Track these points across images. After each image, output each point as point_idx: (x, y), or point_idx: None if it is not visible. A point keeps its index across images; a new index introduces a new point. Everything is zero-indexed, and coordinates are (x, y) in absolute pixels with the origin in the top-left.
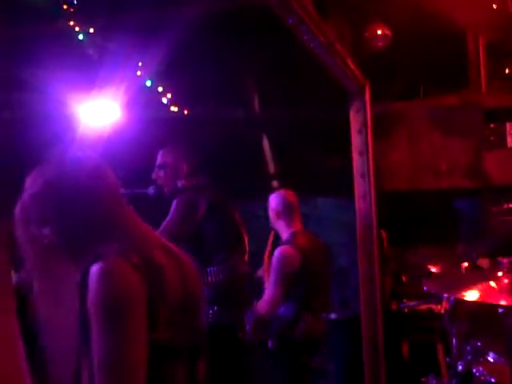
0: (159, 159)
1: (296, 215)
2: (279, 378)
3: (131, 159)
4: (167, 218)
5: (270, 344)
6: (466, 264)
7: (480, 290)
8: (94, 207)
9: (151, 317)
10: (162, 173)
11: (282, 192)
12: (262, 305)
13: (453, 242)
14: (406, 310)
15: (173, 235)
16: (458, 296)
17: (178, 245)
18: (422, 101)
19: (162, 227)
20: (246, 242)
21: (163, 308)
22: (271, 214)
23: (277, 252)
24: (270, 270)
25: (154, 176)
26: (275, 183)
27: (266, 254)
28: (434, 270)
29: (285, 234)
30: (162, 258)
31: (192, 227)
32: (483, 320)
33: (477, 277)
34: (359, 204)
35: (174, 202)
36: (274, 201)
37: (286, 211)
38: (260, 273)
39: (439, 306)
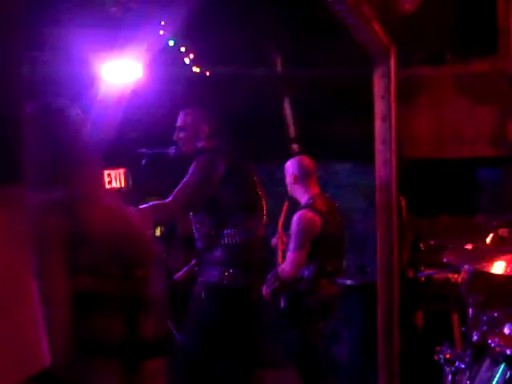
0: (180, 120)
1: (313, 180)
2: (291, 339)
3: (153, 119)
4: (185, 179)
5: (282, 304)
6: (490, 236)
7: (502, 262)
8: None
9: (71, 260)
10: (182, 134)
11: (299, 158)
12: (286, 269)
13: (473, 211)
14: (423, 279)
15: (190, 196)
16: (480, 269)
17: (196, 205)
18: (449, 67)
19: (179, 187)
20: (265, 206)
21: (85, 253)
22: (288, 179)
23: (296, 216)
24: (290, 234)
25: (174, 137)
26: (295, 146)
27: (280, 223)
28: (461, 243)
29: (303, 198)
30: (99, 207)
31: (210, 189)
32: (501, 291)
33: (500, 248)
34: (380, 171)
35: (193, 164)
36: (291, 166)
37: (304, 176)
38: (273, 241)
39: (456, 275)
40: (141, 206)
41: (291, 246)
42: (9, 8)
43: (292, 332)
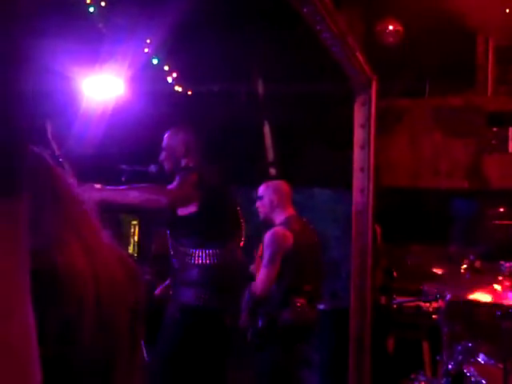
0: (164, 141)
1: (289, 203)
2: (264, 360)
3: (134, 135)
4: (173, 183)
5: (259, 323)
6: (464, 266)
7: (479, 295)
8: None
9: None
10: (166, 154)
11: (276, 183)
12: (257, 284)
13: (446, 241)
14: (395, 306)
15: (184, 186)
16: (458, 298)
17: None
18: (427, 99)
19: (169, 187)
20: (243, 229)
21: (54, 315)
22: (266, 203)
23: (269, 232)
24: (263, 250)
25: (160, 158)
26: (273, 170)
27: (259, 253)
28: (438, 272)
29: (279, 219)
30: (73, 263)
31: (196, 197)
32: (476, 322)
33: (477, 279)
34: (356, 197)
35: (177, 177)
36: (268, 191)
37: (281, 201)
38: (252, 269)
39: (428, 304)
40: (133, 186)
41: (263, 261)
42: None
43: (266, 353)
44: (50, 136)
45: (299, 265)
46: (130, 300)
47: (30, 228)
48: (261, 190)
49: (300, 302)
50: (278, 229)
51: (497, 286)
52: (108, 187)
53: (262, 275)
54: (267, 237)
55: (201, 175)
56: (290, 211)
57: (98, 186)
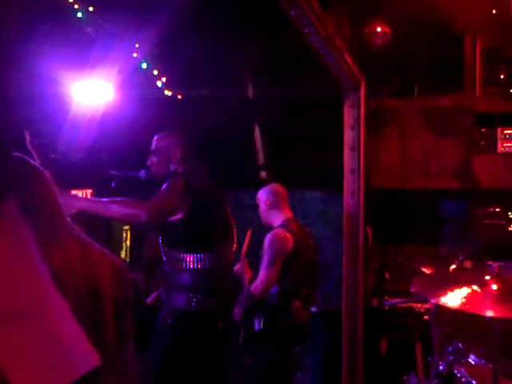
0: (153, 145)
1: (286, 205)
2: (259, 362)
3: (123, 140)
4: (157, 193)
5: (256, 326)
6: (453, 266)
7: (467, 297)
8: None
9: None
10: (154, 158)
11: (271, 185)
12: (257, 286)
13: (436, 242)
14: (387, 308)
15: (168, 198)
16: (445, 302)
17: (169, 220)
18: (416, 100)
19: (158, 192)
20: (235, 232)
21: None
22: (263, 206)
23: (270, 235)
24: (262, 253)
25: (148, 161)
26: (263, 174)
27: (244, 251)
28: (427, 271)
29: (277, 221)
30: (55, 260)
31: (183, 205)
32: (466, 322)
33: (464, 280)
34: (347, 200)
35: (164, 184)
36: (264, 194)
37: (278, 202)
38: (237, 268)
39: (419, 305)
40: (116, 199)
41: (263, 263)
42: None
43: (261, 355)
44: (28, 144)
45: (298, 268)
46: (117, 295)
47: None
48: (258, 194)
49: (295, 305)
50: (278, 231)
51: (479, 290)
52: (91, 198)
53: (261, 277)
54: (267, 239)
55: (188, 181)
56: (288, 213)
57: (79, 195)
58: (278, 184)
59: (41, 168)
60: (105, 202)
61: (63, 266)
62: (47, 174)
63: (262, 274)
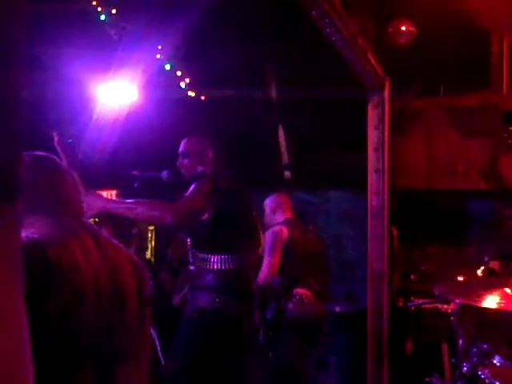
0: (183, 146)
1: (288, 209)
2: (276, 355)
3: (148, 141)
4: (186, 194)
5: (268, 315)
6: (481, 268)
7: (494, 297)
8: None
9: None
10: (186, 160)
11: (276, 194)
12: (261, 274)
13: (463, 243)
14: (413, 308)
15: (193, 201)
16: (471, 303)
17: (196, 221)
18: (442, 99)
19: (178, 201)
20: (260, 234)
21: (53, 304)
22: (267, 210)
23: (269, 231)
24: (264, 247)
25: (178, 163)
26: (288, 174)
27: None
28: (460, 279)
29: (278, 220)
30: (73, 253)
31: (210, 206)
32: (491, 323)
33: (491, 282)
34: (372, 200)
35: (192, 185)
36: (270, 201)
37: (281, 206)
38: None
39: (446, 306)
40: (140, 201)
41: (265, 254)
42: (8, 33)
43: (278, 348)
44: (56, 144)
45: (298, 255)
46: (137, 290)
47: (27, 222)
48: (265, 201)
49: (304, 293)
50: (275, 227)
51: (509, 290)
52: (116, 199)
53: (264, 265)
54: (267, 235)
55: (215, 182)
56: (288, 214)
57: (105, 196)
58: (282, 193)
59: (67, 167)
60: (130, 203)
61: (84, 260)
62: (73, 174)
63: (265, 261)
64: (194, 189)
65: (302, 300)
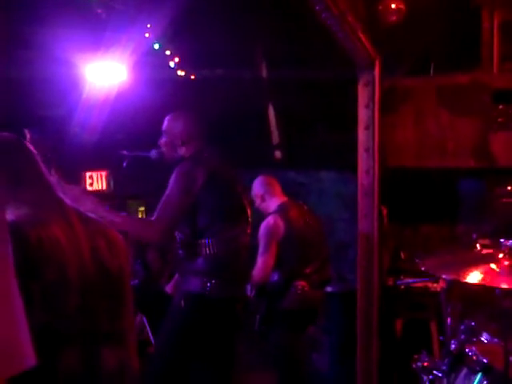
0: (164, 125)
1: (278, 190)
2: (271, 345)
3: (137, 121)
4: (166, 192)
5: (263, 307)
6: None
7: (480, 272)
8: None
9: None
10: (164, 138)
11: (259, 178)
12: (256, 273)
13: (454, 221)
14: (402, 287)
15: (173, 214)
16: (457, 278)
17: (180, 217)
18: (432, 78)
19: (161, 206)
20: (249, 213)
21: (36, 286)
22: (257, 201)
23: (263, 224)
24: (259, 241)
25: (159, 142)
26: (278, 153)
27: None
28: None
29: (272, 207)
30: (53, 232)
31: (191, 198)
32: (478, 300)
33: (477, 258)
34: (362, 179)
35: (173, 175)
36: (255, 189)
37: (269, 190)
38: None
39: (435, 284)
40: (126, 217)
41: (260, 251)
42: None
43: (272, 338)
44: (28, 142)
45: (296, 249)
46: (117, 266)
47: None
48: (251, 192)
49: (301, 285)
50: (269, 218)
51: (494, 266)
52: (107, 209)
53: (259, 263)
54: (261, 228)
55: (194, 167)
56: (281, 198)
57: (94, 198)
58: (265, 175)
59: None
60: (121, 217)
61: (65, 238)
62: (50, 168)
63: (259, 260)
64: (171, 185)
65: (300, 291)
